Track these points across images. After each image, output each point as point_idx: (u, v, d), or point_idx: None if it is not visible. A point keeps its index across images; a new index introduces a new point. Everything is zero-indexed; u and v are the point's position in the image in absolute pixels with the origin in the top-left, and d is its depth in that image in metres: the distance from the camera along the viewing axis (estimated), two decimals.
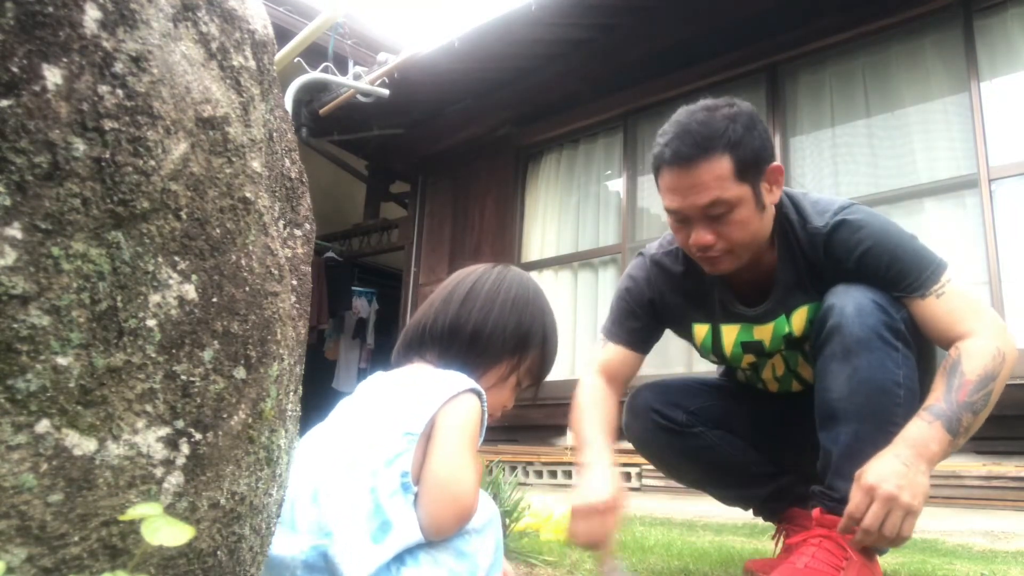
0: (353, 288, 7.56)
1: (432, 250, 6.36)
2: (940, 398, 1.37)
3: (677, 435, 1.76)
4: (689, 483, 1.91)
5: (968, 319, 1.44)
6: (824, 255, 1.54)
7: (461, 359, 1.14)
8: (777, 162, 1.53)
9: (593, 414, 1.64)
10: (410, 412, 1.02)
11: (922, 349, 1.51)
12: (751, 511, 1.89)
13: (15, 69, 0.46)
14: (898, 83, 4.10)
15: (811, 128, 4.40)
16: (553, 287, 5.34)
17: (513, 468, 4.65)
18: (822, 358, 1.51)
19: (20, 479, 0.47)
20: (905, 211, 3.91)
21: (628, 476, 4.32)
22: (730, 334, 1.69)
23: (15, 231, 0.46)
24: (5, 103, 0.45)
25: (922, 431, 1.34)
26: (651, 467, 4.18)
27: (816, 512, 1.45)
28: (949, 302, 1.45)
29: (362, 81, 5.45)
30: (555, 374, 1.31)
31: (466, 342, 1.15)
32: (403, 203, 7.26)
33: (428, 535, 0.95)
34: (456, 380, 1.07)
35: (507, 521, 1.94)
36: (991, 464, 3.27)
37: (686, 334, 1.78)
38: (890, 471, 1.30)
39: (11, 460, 0.47)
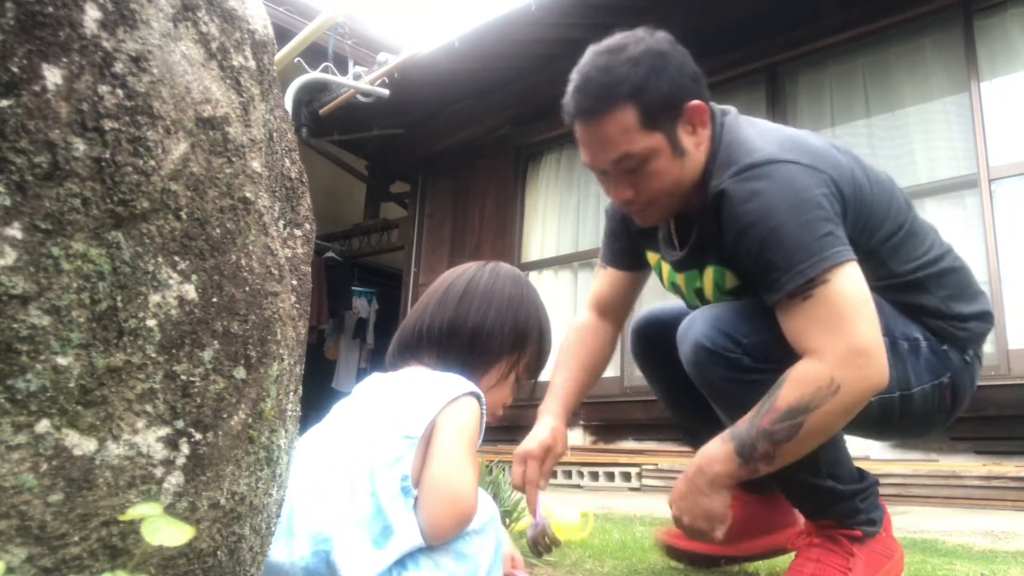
0: (353, 288, 7.57)
1: (432, 250, 6.36)
2: (747, 419, 1.27)
3: (651, 364, 1.72)
4: (667, 410, 1.85)
5: (819, 335, 1.23)
6: (716, 221, 1.36)
7: (461, 360, 1.15)
8: (697, 100, 1.36)
9: (566, 360, 1.65)
10: (410, 415, 1.01)
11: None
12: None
13: (15, 69, 0.46)
14: (898, 83, 4.10)
15: (811, 128, 4.40)
16: (553, 287, 5.34)
17: None
18: None
19: (20, 479, 0.47)
20: None
21: (628, 476, 4.32)
22: (666, 270, 1.62)
23: (15, 231, 0.46)
24: (5, 103, 0.45)
25: (713, 449, 1.30)
26: (651, 467, 4.19)
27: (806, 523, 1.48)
28: (811, 309, 1.23)
29: (362, 81, 5.45)
30: None
31: (465, 343, 1.15)
32: (403, 203, 7.27)
33: (428, 539, 0.95)
34: (456, 383, 1.07)
35: (507, 521, 1.95)
36: (991, 464, 3.27)
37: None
38: (675, 492, 1.36)
39: (11, 460, 0.47)
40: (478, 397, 1.07)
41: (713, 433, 1.39)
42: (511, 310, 1.19)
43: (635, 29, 1.39)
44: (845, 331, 1.22)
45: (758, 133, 1.40)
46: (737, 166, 1.33)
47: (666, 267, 1.61)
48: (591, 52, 1.39)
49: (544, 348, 1.25)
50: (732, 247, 1.33)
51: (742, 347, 1.32)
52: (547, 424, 1.54)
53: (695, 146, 1.39)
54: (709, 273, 1.47)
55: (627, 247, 1.70)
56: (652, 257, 1.67)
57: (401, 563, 0.94)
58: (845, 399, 1.21)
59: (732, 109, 1.49)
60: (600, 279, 1.75)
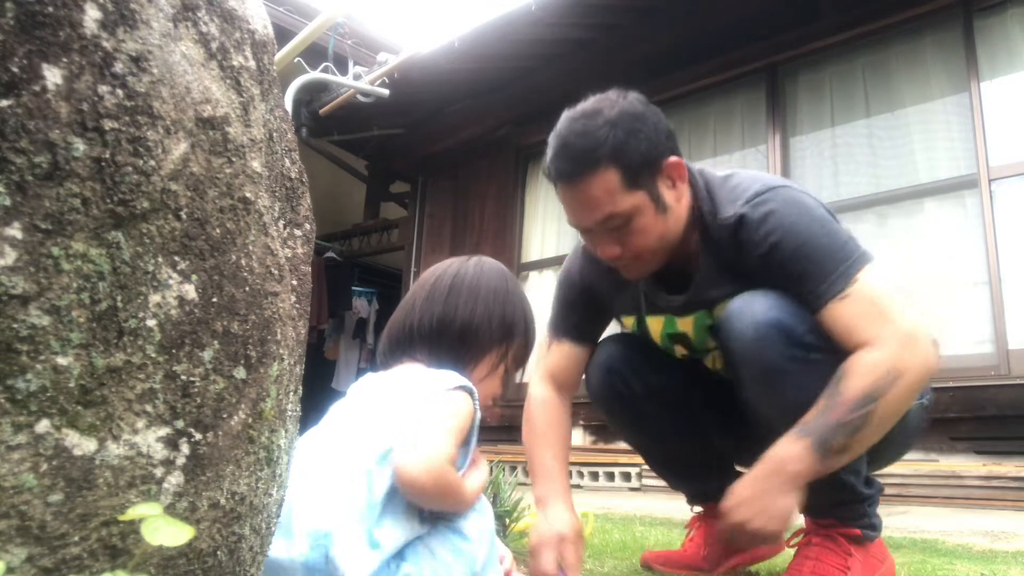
0: (353, 288, 7.56)
1: (432, 250, 6.36)
2: (815, 415, 1.28)
3: (628, 403, 1.69)
4: (635, 449, 1.85)
5: (869, 326, 1.28)
6: (734, 248, 1.42)
7: (452, 354, 1.16)
8: (674, 157, 1.42)
9: (547, 438, 1.60)
10: (404, 410, 1.03)
11: None
12: (685, 498, 1.87)
13: (15, 69, 0.46)
14: (898, 83, 4.10)
15: (811, 128, 4.40)
16: (553, 287, 5.33)
17: (513, 468, 4.65)
18: (741, 381, 1.43)
19: (20, 479, 0.47)
20: (905, 211, 3.91)
21: (628, 476, 4.32)
22: (655, 326, 1.62)
23: (15, 231, 0.46)
24: (5, 103, 0.45)
25: (786, 449, 1.28)
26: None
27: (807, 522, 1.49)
28: (853, 306, 1.30)
29: (362, 81, 5.45)
30: None
31: (456, 337, 1.17)
32: (403, 203, 7.26)
33: (401, 489, 0.94)
34: (449, 378, 1.08)
35: (507, 521, 1.95)
36: (991, 464, 3.27)
37: (619, 323, 1.73)
38: (742, 496, 1.30)
39: (11, 460, 0.47)
40: (471, 392, 1.08)
41: (703, 474, 1.46)
42: (498, 303, 1.21)
43: (607, 92, 1.42)
44: (892, 319, 1.29)
45: (744, 175, 1.49)
46: (744, 196, 1.41)
47: (655, 321, 1.61)
48: (566, 118, 1.41)
49: (530, 339, 1.27)
50: (761, 266, 1.38)
51: (807, 324, 1.34)
52: (565, 507, 1.48)
53: (676, 200, 1.44)
54: (723, 308, 1.46)
55: (585, 318, 1.69)
56: (628, 320, 1.68)
57: (400, 555, 0.95)
58: (910, 381, 1.26)
59: (698, 165, 1.55)
60: (555, 354, 1.70)
